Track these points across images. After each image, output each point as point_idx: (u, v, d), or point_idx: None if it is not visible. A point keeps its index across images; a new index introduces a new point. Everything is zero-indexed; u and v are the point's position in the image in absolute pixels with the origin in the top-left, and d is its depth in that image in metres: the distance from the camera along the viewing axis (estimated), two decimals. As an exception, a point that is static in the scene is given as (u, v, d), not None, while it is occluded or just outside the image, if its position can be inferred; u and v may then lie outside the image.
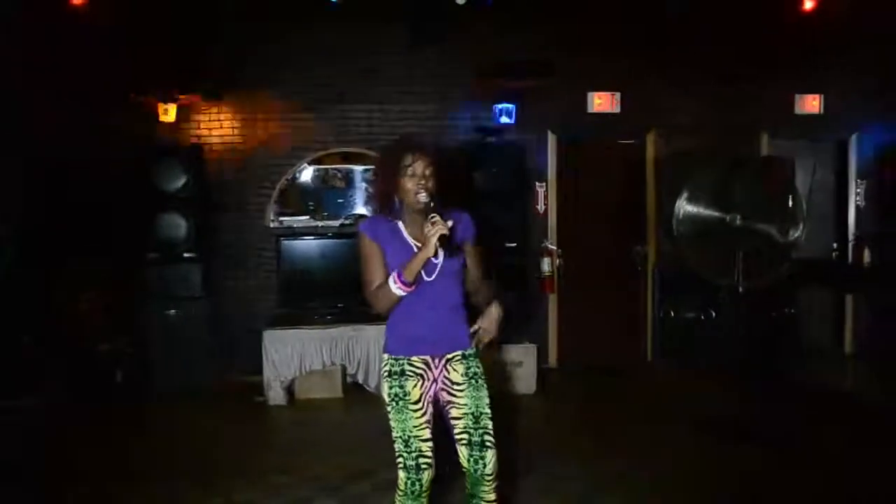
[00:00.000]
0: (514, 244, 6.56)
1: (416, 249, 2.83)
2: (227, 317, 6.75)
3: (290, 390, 6.25)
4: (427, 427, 2.87)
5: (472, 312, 3.03)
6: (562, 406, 6.37)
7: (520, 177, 6.81)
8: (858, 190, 7.76)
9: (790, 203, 5.30)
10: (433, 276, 2.85)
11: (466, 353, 2.96)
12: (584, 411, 6.13)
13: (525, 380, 6.40)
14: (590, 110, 7.28)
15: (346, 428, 5.65)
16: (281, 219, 6.91)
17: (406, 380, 2.88)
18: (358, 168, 7.05)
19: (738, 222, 5.19)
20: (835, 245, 7.85)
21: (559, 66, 6.81)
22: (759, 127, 7.49)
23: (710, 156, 6.63)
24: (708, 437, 5.16)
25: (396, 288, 2.78)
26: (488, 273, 3.09)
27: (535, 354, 6.48)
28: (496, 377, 5.37)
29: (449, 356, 2.94)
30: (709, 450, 4.93)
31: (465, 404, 2.89)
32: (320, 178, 7.05)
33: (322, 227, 6.92)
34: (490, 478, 2.84)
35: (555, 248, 7.12)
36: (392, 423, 2.87)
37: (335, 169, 7.05)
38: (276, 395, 6.13)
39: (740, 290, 5.37)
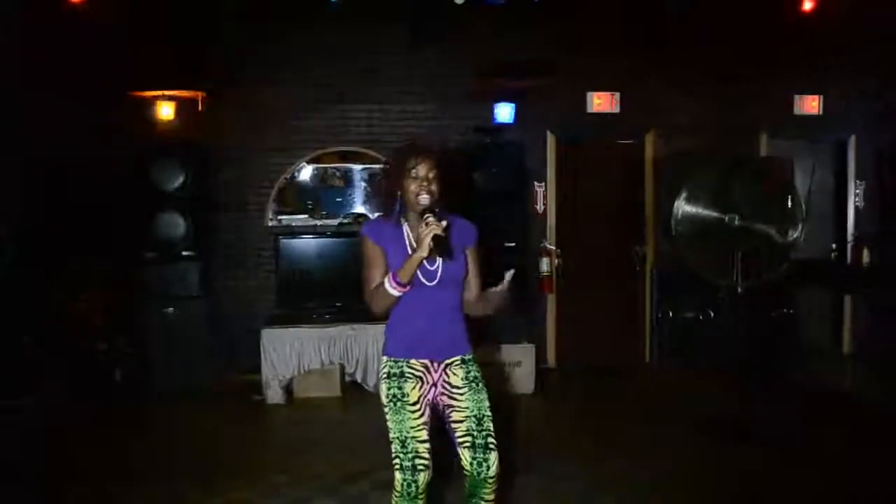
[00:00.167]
0: (514, 244, 6.55)
1: (410, 252, 2.84)
2: (226, 316, 6.75)
3: (288, 389, 6.25)
4: (424, 429, 2.87)
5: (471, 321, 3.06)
6: (560, 406, 6.38)
7: (519, 177, 6.81)
8: (857, 190, 7.76)
9: (789, 203, 5.29)
10: (434, 283, 2.86)
11: (466, 357, 2.97)
12: (582, 411, 6.13)
13: (524, 380, 6.40)
14: (589, 110, 7.29)
15: (345, 427, 5.65)
16: (280, 218, 6.91)
17: (405, 381, 2.90)
18: (357, 167, 7.06)
19: (736, 222, 5.19)
20: (834, 245, 7.85)
21: (559, 65, 6.82)
22: (759, 127, 7.49)
23: (709, 156, 6.62)
24: (707, 437, 5.16)
25: (391, 288, 2.79)
26: (487, 283, 3.07)
27: (534, 354, 6.48)
28: (495, 378, 5.36)
29: (448, 361, 2.95)
30: (708, 450, 4.93)
31: (467, 407, 2.90)
32: (319, 177, 7.05)
33: (321, 225, 6.92)
34: (493, 480, 2.85)
35: (554, 248, 7.12)
36: (389, 425, 2.88)
37: (334, 168, 7.05)
38: (274, 395, 6.13)
39: (739, 290, 5.37)
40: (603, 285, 7.39)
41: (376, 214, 4.66)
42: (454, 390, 2.93)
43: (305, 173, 7.02)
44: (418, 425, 2.85)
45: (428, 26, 6.59)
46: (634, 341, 7.52)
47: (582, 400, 6.49)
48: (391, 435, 2.87)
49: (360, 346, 6.21)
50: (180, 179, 6.29)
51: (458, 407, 2.91)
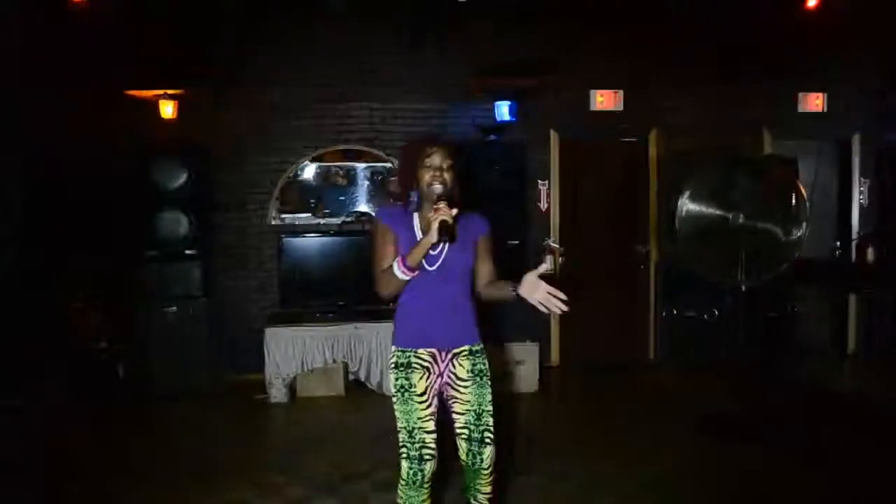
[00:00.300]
0: (517, 242, 6.52)
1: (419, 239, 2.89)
2: (228, 315, 6.74)
3: (291, 388, 6.24)
4: (431, 419, 2.92)
5: (481, 310, 3.07)
6: (563, 405, 6.37)
7: (522, 175, 6.78)
8: (862, 189, 7.72)
9: (793, 202, 5.26)
10: (435, 266, 2.90)
11: (473, 348, 3.01)
12: (585, 410, 6.10)
13: (527, 378, 6.39)
14: (592, 108, 7.26)
15: (347, 426, 5.62)
16: (282, 216, 6.89)
17: (412, 372, 2.93)
18: (360, 165, 7.03)
19: (740, 221, 5.17)
20: (838, 244, 7.80)
21: (561, 63, 6.81)
22: (762, 125, 7.45)
23: (712, 154, 6.58)
24: (710, 436, 5.12)
25: (399, 271, 2.82)
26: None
27: (537, 353, 6.46)
28: (498, 376, 5.34)
29: (455, 351, 2.99)
30: (711, 449, 4.90)
31: (469, 401, 2.96)
32: (322, 175, 7.03)
33: (324, 224, 6.90)
34: (487, 472, 2.94)
35: (557, 246, 7.09)
36: (397, 414, 2.93)
37: (337, 166, 7.03)
38: (277, 394, 6.12)
39: (743, 288, 5.35)
40: (606, 283, 7.36)
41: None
42: (459, 382, 2.97)
43: (308, 172, 7.00)
44: (425, 416, 2.90)
45: (428, 26, 6.57)
46: (638, 340, 7.49)
47: (585, 399, 6.45)
48: (399, 425, 2.91)
49: (363, 344, 6.19)
50: (182, 179, 6.26)
51: (460, 399, 2.97)
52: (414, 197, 2.96)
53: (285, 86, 6.85)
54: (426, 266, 2.88)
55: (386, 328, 6.05)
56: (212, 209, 6.71)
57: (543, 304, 2.70)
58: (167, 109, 6.49)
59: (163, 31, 6.29)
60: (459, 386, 2.97)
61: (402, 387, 2.92)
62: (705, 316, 7.07)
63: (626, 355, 7.34)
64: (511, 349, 6.31)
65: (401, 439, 2.89)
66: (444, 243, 2.81)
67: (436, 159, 2.90)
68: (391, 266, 2.84)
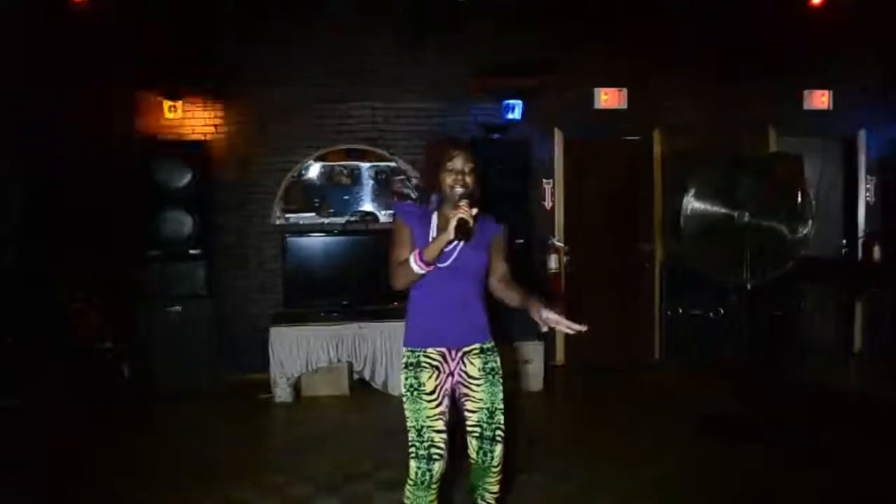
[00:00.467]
0: (522, 240, 6.49)
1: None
2: (232, 315, 6.72)
3: (296, 388, 6.22)
4: (441, 419, 2.92)
5: (493, 309, 3.09)
6: (568, 404, 6.35)
7: (526, 174, 6.76)
8: (868, 186, 7.68)
9: (799, 200, 5.23)
10: (447, 264, 2.91)
11: (484, 346, 3.03)
12: (589, 409, 6.08)
13: (533, 377, 6.37)
14: (596, 106, 7.23)
15: (351, 426, 5.59)
16: (286, 216, 6.87)
17: (421, 371, 2.94)
18: (364, 165, 7.00)
19: (745, 219, 5.13)
20: (844, 242, 7.77)
21: (561, 63, 6.77)
22: (767, 123, 7.41)
23: (716, 152, 6.55)
24: (714, 435, 5.09)
25: (416, 265, 2.83)
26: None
27: (543, 352, 6.44)
28: (509, 374, 5.33)
29: (466, 349, 3.00)
30: (714, 449, 4.87)
31: (481, 399, 2.98)
32: (326, 174, 7.00)
33: (328, 223, 6.87)
34: (496, 469, 2.96)
35: (562, 244, 7.06)
36: (406, 413, 2.94)
37: (341, 166, 6.99)
38: (282, 393, 6.10)
39: (748, 287, 5.31)
40: (611, 282, 7.34)
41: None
42: (471, 380, 2.99)
43: (312, 171, 6.97)
44: (435, 415, 2.91)
45: (428, 26, 6.56)
46: (643, 339, 7.45)
47: (589, 398, 6.43)
48: (408, 424, 2.92)
49: (367, 344, 6.17)
50: (186, 178, 6.24)
51: (472, 398, 2.98)
52: (434, 198, 2.99)
53: (285, 86, 6.82)
54: (439, 263, 2.88)
55: (390, 327, 6.07)
56: (216, 209, 6.69)
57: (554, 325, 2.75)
58: (171, 108, 6.49)
59: (163, 31, 6.27)
60: (472, 384, 2.98)
61: (411, 386, 2.93)
62: (710, 314, 7.04)
63: (631, 354, 7.31)
64: (519, 348, 6.29)
65: (410, 439, 2.90)
66: (460, 242, 2.83)
67: (458, 163, 2.93)
68: (407, 259, 2.85)
